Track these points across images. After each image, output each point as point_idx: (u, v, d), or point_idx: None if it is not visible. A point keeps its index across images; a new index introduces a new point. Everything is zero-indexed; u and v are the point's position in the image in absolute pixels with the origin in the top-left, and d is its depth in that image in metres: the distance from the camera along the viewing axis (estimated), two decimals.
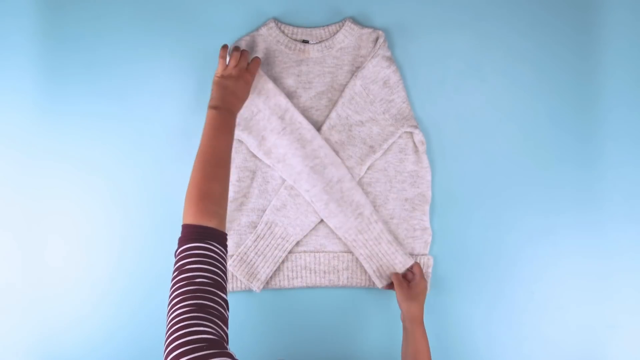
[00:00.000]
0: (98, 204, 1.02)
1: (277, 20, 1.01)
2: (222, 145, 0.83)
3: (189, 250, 0.72)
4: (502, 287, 1.02)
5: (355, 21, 1.01)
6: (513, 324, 1.02)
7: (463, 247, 1.02)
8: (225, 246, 0.76)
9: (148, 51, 1.02)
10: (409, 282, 0.97)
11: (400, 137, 1.00)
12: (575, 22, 1.02)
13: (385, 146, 0.99)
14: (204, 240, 0.73)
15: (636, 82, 1.02)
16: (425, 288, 0.96)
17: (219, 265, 0.72)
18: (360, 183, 1.00)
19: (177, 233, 0.99)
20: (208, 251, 0.72)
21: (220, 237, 0.75)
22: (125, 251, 1.01)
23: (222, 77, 0.90)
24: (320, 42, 1.01)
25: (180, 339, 0.62)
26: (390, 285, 0.99)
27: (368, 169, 1.00)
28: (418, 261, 1.00)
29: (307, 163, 0.98)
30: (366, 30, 1.00)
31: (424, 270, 1.00)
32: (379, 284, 0.99)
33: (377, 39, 1.00)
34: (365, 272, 1.00)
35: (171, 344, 0.62)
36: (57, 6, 1.01)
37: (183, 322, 0.64)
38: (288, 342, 1.01)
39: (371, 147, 0.99)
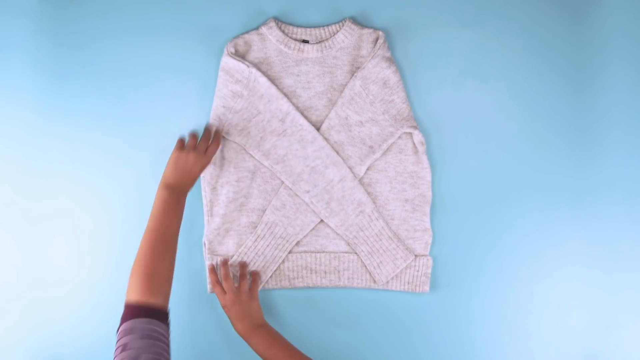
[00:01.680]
0: (99, 204, 1.02)
1: (277, 19, 1.00)
2: (172, 224, 0.86)
3: (133, 329, 0.73)
4: (501, 287, 1.02)
5: (355, 21, 1.01)
6: (513, 323, 1.02)
7: (462, 247, 1.02)
8: (168, 325, 0.78)
9: (148, 51, 1.02)
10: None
11: (399, 137, 1.00)
12: (575, 22, 1.02)
13: (384, 146, 0.99)
14: (148, 319, 0.74)
15: (637, 80, 1.02)
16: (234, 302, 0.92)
17: (162, 345, 0.73)
18: (360, 183, 1.00)
19: (180, 232, 1.00)
20: (151, 331, 0.73)
21: (163, 317, 0.77)
22: (125, 252, 1.01)
23: (178, 155, 0.91)
24: (320, 42, 1.00)
25: None
26: (390, 283, 1.00)
27: (368, 169, 1.00)
28: (417, 263, 1.00)
29: (309, 163, 0.98)
30: (366, 31, 1.00)
31: (422, 272, 1.00)
32: (379, 280, 0.99)
33: (377, 40, 0.99)
34: (367, 272, 1.00)
35: None
36: (57, 6, 1.01)
37: None
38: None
39: (371, 147, 0.99)
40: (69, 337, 1.01)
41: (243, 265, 0.98)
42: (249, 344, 0.90)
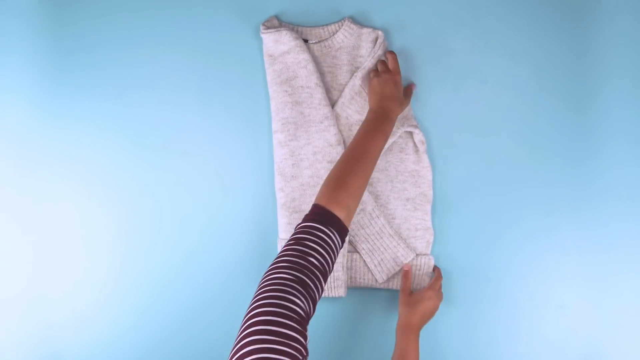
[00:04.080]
0: (99, 204, 1.02)
1: (277, 18, 1.00)
2: (371, 145, 0.85)
3: (313, 229, 0.73)
4: (501, 287, 1.02)
5: (355, 21, 1.01)
6: (512, 323, 1.02)
7: (462, 247, 1.02)
8: (344, 242, 0.77)
9: (148, 51, 1.02)
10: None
11: (400, 136, 1.00)
12: (576, 22, 1.02)
13: (385, 146, 0.99)
14: (328, 227, 0.74)
15: (635, 81, 1.02)
16: (432, 300, 0.94)
17: (332, 255, 0.73)
18: None
19: (181, 235, 1.00)
20: (329, 238, 0.73)
21: (342, 231, 0.76)
22: (128, 253, 1.01)
23: (372, 79, 0.95)
24: (320, 41, 1.00)
25: (271, 299, 0.62)
26: (390, 282, 1.00)
27: None
28: (418, 262, 1.00)
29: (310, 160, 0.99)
30: (365, 30, 1.00)
31: (424, 270, 1.00)
32: (380, 278, 0.99)
33: (376, 39, 0.99)
34: (369, 271, 1.00)
35: (260, 301, 0.62)
36: (57, 6, 1.01)
37: (281, 286, 0.64)
38: None
39: None
40: (70, 338, 1.01)
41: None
42: (408, 338, 0.90)
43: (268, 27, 0.98)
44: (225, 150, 1.02)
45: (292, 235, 0.73)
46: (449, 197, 1.02)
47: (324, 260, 0.71)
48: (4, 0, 1.01)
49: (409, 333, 0.91)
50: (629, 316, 1.02)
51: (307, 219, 0.75)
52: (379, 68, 0.97)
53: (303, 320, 0.63)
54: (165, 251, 1.01)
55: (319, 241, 0.72)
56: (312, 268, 0.69)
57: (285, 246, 0.71)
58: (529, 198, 1.02)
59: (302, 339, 0.61)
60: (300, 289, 0.65)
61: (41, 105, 1.01)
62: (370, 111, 0.92)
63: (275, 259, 0.69)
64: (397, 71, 0.96)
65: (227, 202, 1.01)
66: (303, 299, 0.65)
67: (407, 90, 0.99)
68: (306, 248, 0.70)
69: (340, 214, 0.76)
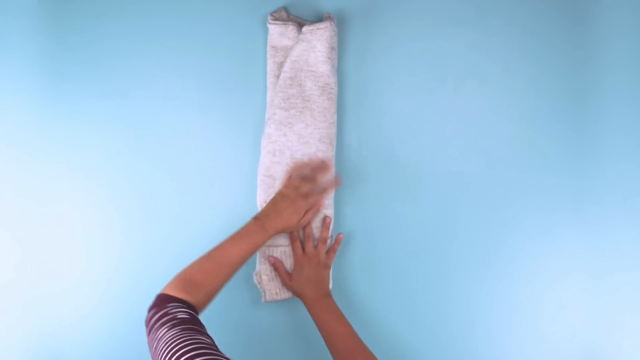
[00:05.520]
0: (99, 203, 1.02)
1: (286, 10, 1.01)
2: (233, 251, 0.83)
3: (163, 307, 0.73)
4: (502, 287, 1.02)
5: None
6: (513, 323, 1.02)
7: (462, 246, 1.02)
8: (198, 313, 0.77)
9: (149, 50, 1.02)
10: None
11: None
12: (576, 21, 1.03)
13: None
14: (178, 302, 0.74)
15: (637, 81, 1.02)
16: (296, 269, 0.93)
17: (196, 315, 0.73)
18: None
19: (179, 233, 1.00)
20: (183, 306, 0.73)
21: (193, 308, 0.75)
22: (125, 252, 1.01)
23: (281, 192, 0.91)
24: None
25: (183, 345, 0.62)
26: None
27: None
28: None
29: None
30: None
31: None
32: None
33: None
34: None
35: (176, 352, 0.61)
36: (57, 6, 1.01)
37: (179, 338, 0.64)
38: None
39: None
40: (69, 336, 1.01)
41: (327, 227, 0.96)
42: (312, 311, 0.89)
43: (276, 19, 0.98)
44: (225, 148, 1.02)
45: (147, 327, 0.72)
46: (448, 196, 1.02)
47: (190, 315, 0.71)
48: (4, 0, 1.01)
49: (309, 307, 0.90)
50: (629, 316, 1.02)
51: (152, 307, 0.75)
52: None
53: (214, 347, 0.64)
54: (163, 249, 1.01)
55: (176, 308, 0.72)
56: (187, 320, 0.70)
57: (151, 333, 0.70)
58: (529, 198, 1.02)
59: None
60: (194, 329, 0.67)
61: (40, 102, 1.01)
62: (256, 218, 0.88)
63: (153, 345, 0.68)
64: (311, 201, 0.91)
65: (227, 201, 1.02)
66: (202, 335, 0.66)
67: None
68: (168, 316, 0.70)
69: (189, 298, 0.76)
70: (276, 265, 0.96)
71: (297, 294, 0.93)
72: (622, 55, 1.02)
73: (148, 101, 1.02)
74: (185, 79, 1.02)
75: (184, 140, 1.02)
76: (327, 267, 0.95)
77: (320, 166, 0.93)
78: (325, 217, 0.97)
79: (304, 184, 0.91)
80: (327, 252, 0.97)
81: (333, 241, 0.99)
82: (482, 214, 1.02)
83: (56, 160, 1.01)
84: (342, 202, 1.01)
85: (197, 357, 0.59)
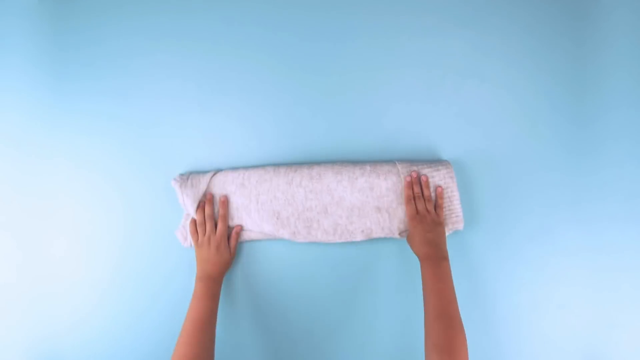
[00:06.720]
0: (99, 203, 1.02)
1: None
2: (201, 312, 0.89)
3: None
4: (502, 287, 1.02)
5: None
6: (514, 323, 1.02)
7: (462, 246, 1.02)
8: None
9: (149, 50, 1.02)
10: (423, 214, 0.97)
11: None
12: (576, 20, 1.03)
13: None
14: None
15: (637, 79, 1.02)
16: (416, 228, 0.95)
17: None
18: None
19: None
20: None
21: None
22: (127, 251, 1.01)
23: (198, 246, 0.97)
24: None
25: None
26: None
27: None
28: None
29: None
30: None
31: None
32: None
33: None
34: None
35: None
36: (57, 6, 1.01)
37: None
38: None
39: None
40: (69, 336, 1.01)
41: (439, 195, 0.99)
42: (423, 269, 0.90)
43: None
44: (225, 148, 1.02)
45: None
46: None
47: None
48: (4, 0, 1.01)
49: (422, 264, 0.92)
50: (629, 316, 1.02)
51: None
52: None
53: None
54: (164, 249, 1.01)
55: None
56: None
57: None
58: (529, 198, 1.02)
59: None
60: None
61: (41, 102, 1.01)
62: (198, 279, 0.94)
63: None
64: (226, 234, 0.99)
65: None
66: None
67: None
68: None
69: None
70: (408, 199, 0.98)
71: (415, 252, 0.95)
72: (622, 53, 1.02)
73: (148, 100, 1.02)
74: (185, 79, 1.02)
75: (184, 140, 1.01)
76: (439, 224, 0.97)
77: (204, 204, 0.98)
78: (437, 187, 0.99)
79: (200, 229, 0.97)
80: (435, 209, 0.99)
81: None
82: (482, 214, 1.02)
83: (56, 160, 1.01)
84: None
85: None
